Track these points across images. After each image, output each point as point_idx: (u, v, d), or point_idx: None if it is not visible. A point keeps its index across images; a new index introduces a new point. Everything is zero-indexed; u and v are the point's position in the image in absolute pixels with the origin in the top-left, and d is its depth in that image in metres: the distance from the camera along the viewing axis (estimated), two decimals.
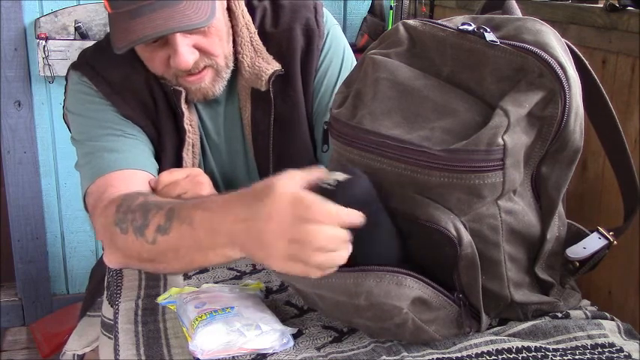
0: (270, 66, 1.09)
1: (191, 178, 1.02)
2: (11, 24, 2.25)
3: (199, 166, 1.14)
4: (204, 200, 0.83)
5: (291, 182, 0.72)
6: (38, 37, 2.23)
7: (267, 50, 1.11)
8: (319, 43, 1.14)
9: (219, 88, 1.07)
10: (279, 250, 0.70)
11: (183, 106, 1.08)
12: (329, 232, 0.69)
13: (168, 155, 1.10)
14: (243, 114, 1.13)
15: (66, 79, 1.14)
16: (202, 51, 1.02)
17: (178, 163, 1.10)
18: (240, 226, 0.74)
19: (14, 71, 2.29)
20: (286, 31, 1.13)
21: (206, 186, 1.02)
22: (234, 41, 1.10)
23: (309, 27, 1.14)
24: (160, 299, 0.88)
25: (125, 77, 1.08)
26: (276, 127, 1.12)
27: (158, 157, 1.10)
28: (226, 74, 1.08)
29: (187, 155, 1.10)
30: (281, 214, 0.70)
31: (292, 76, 1.12)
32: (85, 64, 1.10)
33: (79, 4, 2.30)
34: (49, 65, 2.23)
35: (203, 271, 0.99)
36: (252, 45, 1.10)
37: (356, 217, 0.70)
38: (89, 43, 2.21)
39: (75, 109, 1.11)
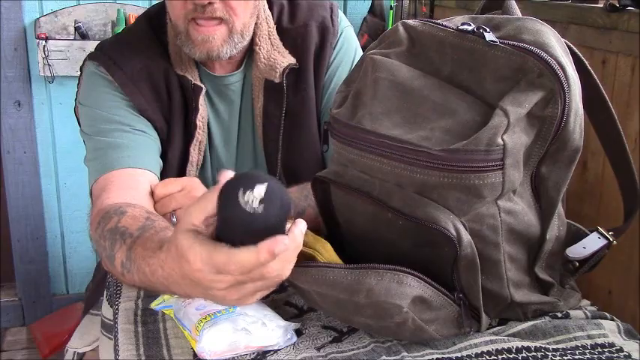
0: (285, 59, 1.12)
1: (186, 192, 1.01)
2: (11, 24, 2.25)
3: (204, 162, 1.15)
4: (148, 253, 0.76)
5: (185, 232, 0.65)
6: (38, 37, 2.23)
7: (283, 45, 1.14)
8: (333, 41, 1.17)
9: (227, 51, 1.06)
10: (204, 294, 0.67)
11: (200, 103, 1.10)
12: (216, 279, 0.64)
13: (175, 149, 1.11)
14: (255, 105, 1.16)
15: (80, 71, 1.15)
16: (225, 3, 1.02)
17: (185, 157, 1.12)
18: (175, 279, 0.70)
19: (14, 71, 2.29)
20: (302, 27, 1.16)
21: None
22: (254, 33, 1.12)
23: (324, 25, 1.17)
24: (154, 304, 0.88)
25: (143, 67, 1.09)
26: (287, 120, 1.14)
27: (165, 151, 1.11)
28: (238, 42, 1.07)
29: (194, 151, 1.12)
30: (175, 273, 0.67)
31: (305, 70, 1.14)
32: (103, 54, 1.11)
33: (79, 4, 2.30)
34: (49, 65, 2.23)
35: None
36: (269, 39, 1.13)
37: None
38: (89, 43, 2.24)
39: (87, 101, 1.11)
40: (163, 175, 1.10)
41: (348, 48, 1.20)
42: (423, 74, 0.80)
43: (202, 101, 1.11)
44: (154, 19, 1.15)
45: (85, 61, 1.14)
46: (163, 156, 1.11)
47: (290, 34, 1.15)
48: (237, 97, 1.17)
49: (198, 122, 1.10)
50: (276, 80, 1.11)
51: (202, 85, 1.10)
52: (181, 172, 1.12)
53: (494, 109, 0.72)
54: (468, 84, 0.77)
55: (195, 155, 1.12)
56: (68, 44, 2.25)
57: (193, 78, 1.10)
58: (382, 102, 0.79)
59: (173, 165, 1.12)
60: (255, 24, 1.12)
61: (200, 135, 1.12)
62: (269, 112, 1.14)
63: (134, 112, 1.08)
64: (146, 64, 1.09)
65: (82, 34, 2.27)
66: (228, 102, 1.16)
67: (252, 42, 1.12)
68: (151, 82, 1.09)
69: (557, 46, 0.75)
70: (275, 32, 1.15)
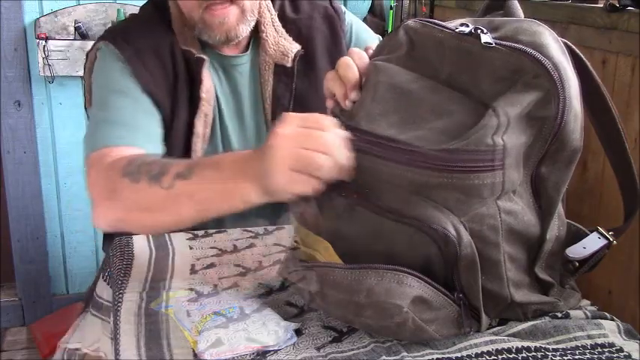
0: (292, 46, 1.18)
1: None
2: (11, 24, 2.26)
3: (211, 136, 1.18)
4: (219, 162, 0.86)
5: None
6: (38, 37, 2.23)
7: (287, 33, 1.20)
8: (343, 26, 1.25)
9: (243, 30, 1.13)
10: (285, 162, 0.74)
11: (204, 75, 1.12)
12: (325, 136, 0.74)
13: (180, 122, 1.13)
14: (264, 88, 1.20)
15: (86, 57, 1.19)
16: None
17: (190, 131, 1.14)
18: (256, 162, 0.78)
19: (14, 71, 2.29)
20: (307, 18, 1.23)
21: None
22: (259, 21, 1.18)
23: (327, 14, 1.25)
24: (154, 304, 0.88)
25: (151, 43, 1.13)
26: (296, 103, 1.19)
27: (171, 124, 1.13)
28: (251, 20, 1.14)
29: (199, 123, 1.14)
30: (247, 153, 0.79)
31: (312, 57, 1.21)
32: (111, 33, 1.17)
33: (79, 4, 2.30)
34: (49, 65, 2.23)
35: (209, 266, 0.99)
36: (273, 26, 1.19)
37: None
38: (89, 43, 2.23)
39: (94, 78, 1.14)
40: (169, 147, 1.11)
41: (357, 23, 1.29)
42: (420, 77, 0.80)
43: (206, 73, 1.13)
44: (159, 3, 1.19)
45: (93, 45, 1.18)
46: (169, 129, 1.13)
47: (295, 24, 1.21)
48: (246, 80, 1.20)
49: (202, 94, 1.12)
50: (288, 65, 1.16)
51: (205, 57, 1.13)
52: (187, 145, 1.14)
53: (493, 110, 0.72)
54: (465, 85, 0.77)
55: (200, 128, 1.14)
56: (68, 44, 2.26)
57: (197, 52, 1.13)
58: (380, 103, 0.79)
59: (179, 137, 1.14)
60: (259, 12, 1.17)
61: (205, 107, 1.14)
62: (279, 95, 1.18)
63: (139, 87, 1.10)
64: (154, 40, 1.13)
65: (82, 34, 2.28)
66: (236, 82, 1.20)
67: (257, 29, 1.17)
68: (158, 56, 1.13)
69: (554, 47, 0.75)
70: (277, 20, 1.20)
